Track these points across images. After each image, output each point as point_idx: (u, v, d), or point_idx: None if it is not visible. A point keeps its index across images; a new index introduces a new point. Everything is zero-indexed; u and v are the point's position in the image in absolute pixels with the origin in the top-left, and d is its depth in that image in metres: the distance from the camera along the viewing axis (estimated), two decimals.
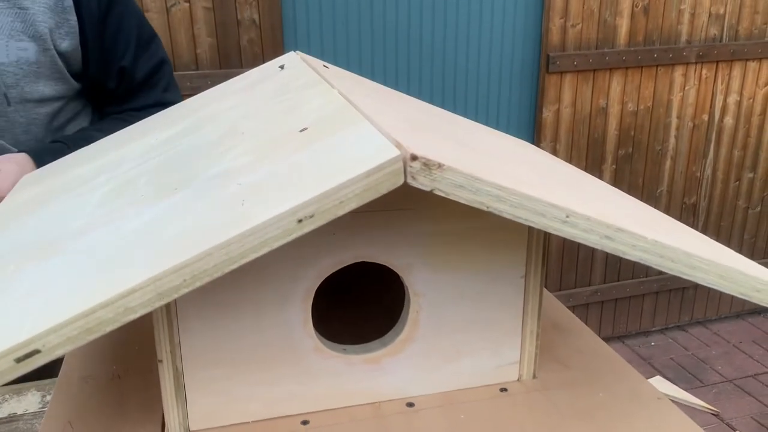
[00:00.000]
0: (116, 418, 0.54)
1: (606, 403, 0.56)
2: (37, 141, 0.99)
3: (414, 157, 0.38)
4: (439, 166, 0.38)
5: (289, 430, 0.53)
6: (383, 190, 0.38)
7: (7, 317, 0.40)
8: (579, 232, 0.42)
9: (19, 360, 0.35)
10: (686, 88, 2.38)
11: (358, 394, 0.55)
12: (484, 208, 0.40)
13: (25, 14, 0.92)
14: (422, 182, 0.38)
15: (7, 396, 0.87)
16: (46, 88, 0.96)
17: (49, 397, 0.87)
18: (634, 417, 0.55)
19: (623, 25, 2.24)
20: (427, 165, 0.38)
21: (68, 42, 0.95)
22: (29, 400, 0.87)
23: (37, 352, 0.35)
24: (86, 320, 0.36)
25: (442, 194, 0.39)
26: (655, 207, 0.61)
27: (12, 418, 0.84)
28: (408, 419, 0.54)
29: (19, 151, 0.95)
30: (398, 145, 0.39)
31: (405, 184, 0.39)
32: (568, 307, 0.73)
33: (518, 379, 0.59)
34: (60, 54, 0.95)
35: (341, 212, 0.38)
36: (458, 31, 2.14)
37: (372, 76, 0.83)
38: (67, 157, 0.81)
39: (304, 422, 0.54)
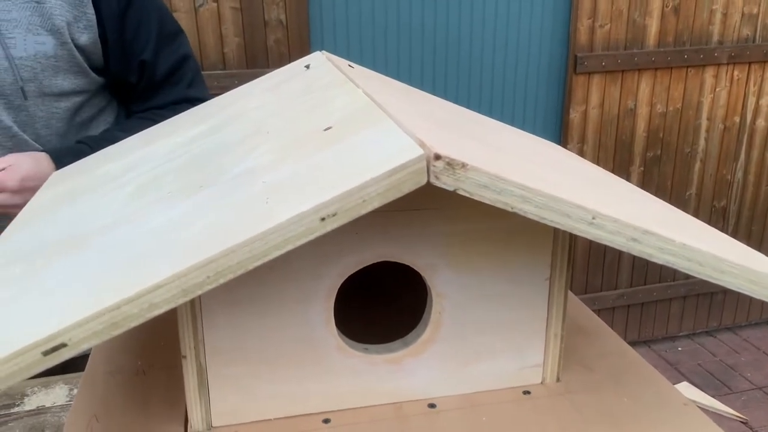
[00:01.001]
0: (140, 413, 0.55)
1: (631, 409, 0.55)
2: (58, 136, 1.00)
3: (437, 157, 0.37)
4: (463, 165, 0.38)
5: (310, 428, 0.53)
6: (406, 189, 0.38)
7: (34, 311, 0.41)
8: (605, 234, 0.41)
9: (46, 353, 0.36)
10: (717, 89, 2.34)
11: (380, 394, 0.55)
12: (509, 209, 0.39)
13: (42, 8, 0.93)
14: (445, 182, 0.38)
15: (36, 389, 0.89)
16: (65, 82, 0.97)
17: (76, 391, 0.88)
18: (660, 423, 0.54)
19: (653, 26, 2.20)
20: (451, 164, 0.38)
21: (86, 36, 0.96)
22: (57, 393, 0.88)
23: (63, 345, 0.36)
24: (111, 315, 0.36)
25: (466, 194, 0.38)
26: (683, 210, 0.60)
27: (40, 411, 0.85)
28: (429, 420, 0.54)
29: (42, 150, 0.97)
30: (422, 144, 0.39)
31: (428, 184, 0.39)
32: (594, 311, 0.72)
33: (542, 382, 0.58)
34: (78, 48, 0.96)
35: (364, 211, 0.38)
36: (485, 31, 2.13)
37: (397, 76, 0.83)
38: (95, 154, 0.82)
39: (326, 420, 0.54)
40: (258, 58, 1.94)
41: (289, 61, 0.88)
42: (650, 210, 0.53)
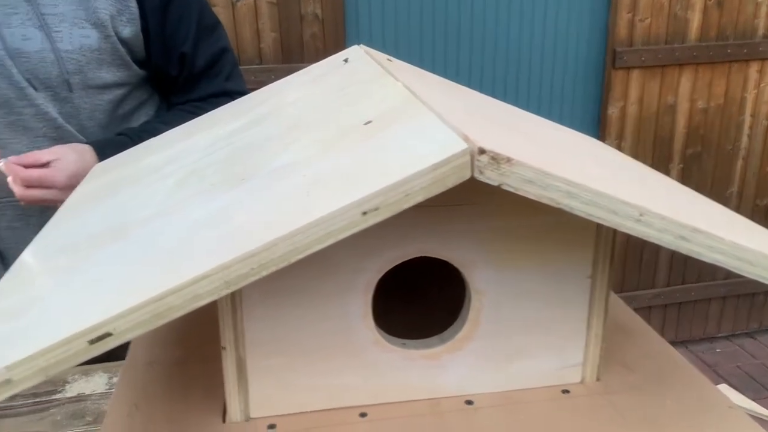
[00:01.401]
0: (179, 403, 0.56)
1: (673, 411, 0.54)
2: (101, 128, 1.02)
3: (482, 151, 0.37)
4: (508, 160, 0.37)
5: (347, 422, 0.53)
6: (450, 183, 0.37)
7: (79, 300, 0.41)
8: (653, 231, 0.40)
9: (92, 342, 0.36)
10: (761, 85, 2.28)
11: (417, 390, 0.55)
12: (554, 205, 0.39)
13: (87, 2, 0.94)
14: (490, 176, 0.37)
15: (76, 376, 0.90)
16: (108, 74, 0.99)
17: (115, 379, 0.90)
18: (704, 427, 0.52)
19: (695, 20, 2.15)
20: (496, 159, 0.37)
21: (129, 29, 0.98)
22: (96, 381, 0.90)
23: (108, 335, 0.36)
24: (156, 305, 0.36)
25: (511, 189, 0.38)
26: None
27: (80, 398, 0.87)
28: (467, 417, 0.54)
29: (85, 142, 0.99)
30: (466, 138, 0.38)
31: (471, 179, 0.38)
32: None
33: (581, 382, 0.57)
34: (121, 41, 0.98)
35: (406, 205, 0.38)
36: (522, 25, 2.10)
37: (434, 70, 0.82)
38: (136, 146, 0.83)
39: (362, 414, 0.54)
40: (294, 52, 1.95)
41: (325, 56, 0.88)
42: (697, 207, 0.52)
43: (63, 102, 0.98)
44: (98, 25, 0.95)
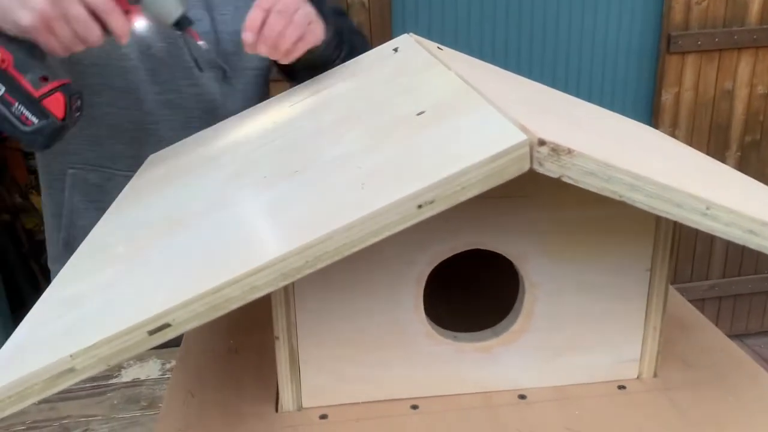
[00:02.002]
0: (233, 392, 0.57)
1: (735, 409, 0.52)
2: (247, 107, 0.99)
3: (542, 142, 0.36)
4: (569, 151, 0.36)
5: (398, 413, 0.53)
6: (508, 176, 0.37)
7: (138, 291, 0.42)
8: (720, 225, 0.39)
9: (151, 332, 0.37)
10: None
11: (469, 383, 0.54)
12: (617, 198, 0.37)
13: None
14: (550, 168, 0.36)
15: (131, 362, 0.93)
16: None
17: (168, 365, 0.92)
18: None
19: (755, 1, 2.07)
20: (556, 150, 0.36)
21: None
22: (150, 367, 0.92)
23: (167, 326, 0.37)
24: (214, 297, 0.37)
25: (571, 181, 0.37)
26: None
27: (135, 383, 0.89)
28: (520, 411, 0.53)
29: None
30: (524, 129, 0.37)
31: (528, 170, 0.37)
32: None
33: (638, 377, 0.56)
34: None
35: (463, 198, 0.37)
36: (572, 9, 2.05)
37: (483, 58, 0.81)
38: (192, 137, 0.84)
39: (414, 407, 0.53)
40: None
41: (372, 45, 0.88)
42: (764, 198, 0.50)
43: (221, 83, 0.96)
44: None
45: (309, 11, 0.77)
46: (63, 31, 0.67)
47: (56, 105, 0.70)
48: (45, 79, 0.69)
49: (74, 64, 0.87)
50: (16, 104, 0.69)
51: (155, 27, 0.87)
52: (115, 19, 0.68)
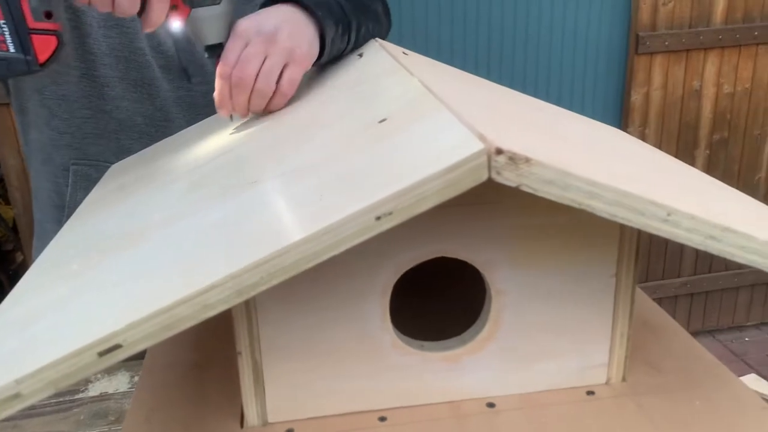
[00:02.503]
0: (197, 407, 0.55)
1: (703, 412, 0.52)
2: None
3: (499, 151, 0.35)
4: (527, 160, 0.35)
5: (366, 426, 0.52)
6: (465, 186, 0.36)
7: (89, 310, 0.41)
8: (681, 231, 0.38)
9: (101, 354, 0.35)
10: None
11: (437, 392, 0.54)
12: (576, 206, 0.37)
13: None
14: (508, 177, 0.36)
15: (99, 375, 0.91)
16: None
17: (137, 378, 0.90)
18: (736, 428, 0.51)
19: (720, 2, 2.10)
20: (514, 159, 0.35)
21: None
22: (119, 380, 0.90)
23: (118, 346, 0.35)
24: (165, 316, 0.36)
25: (530, 190, 0.36)
26: (751, 195, 0.56)
27: (103, 397, 0.87)
28: (488, 420, 0.52)
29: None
30: (482, 138, 0.37)
31: (489, 179, 0.37)
32: (655, 300, 0.68)
33: (606, 383, 0.56)
34: None
35: (421, 209, 0.36)
36: (542, 11, 2.06)
37: (452, 61, 0.81)
38: (150, 148, 0.83)
39: (382, 418, 0.53)
40: None
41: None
42: (728, 203, 0.50)
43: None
44: None
45: (275, 61, 0.67)
46: None
47: (44, 47, 0.62)
48: (49, 15, 0.61)
49: (87, 53, 0.84)
50: (1, 23, 0.60)
51: (185, 37, 0.82)
52: (158, 9, 0.62)
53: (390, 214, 0.36)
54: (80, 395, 0.88)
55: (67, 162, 0.91)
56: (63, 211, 0.95)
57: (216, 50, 0.67)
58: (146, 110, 0.88)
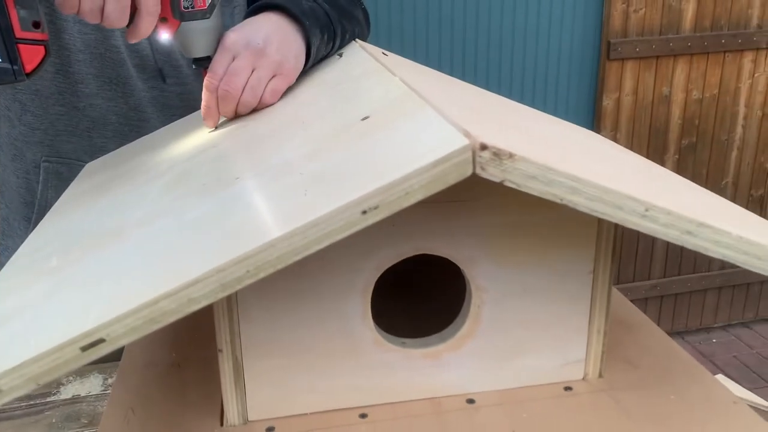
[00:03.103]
0: (176, 406, 0.55)
1: (677, 406, 0.53)
2: None
3: (484, 147, 0.36)
4: (511, 155, 0.36)
5: (347, 423, 0.52)
6: (451, 180, 0.36)
7: (72, 305, 0.40)
8: (659, 227, 0.39)
9: (84, 349, 0.35)
10: (756, 75, 2.27)
11: (417, 389, 0.54)
12: (558, 201, 0.38)
13: None
14: (492, 173, 0.36)
15: (71, 378, 0.89)
16: None
17: (111, 380, 0.89)
18: (709, 422, 0.52)
19: (689, 10, 2.15)
20: (498, 155, 0.36)
21: None
22: (92, 383, 0.89)
23: (101, 341, 0.35)
24: (150, 310, 0.35)
25: (513, 186, 0.37)
26: None
27: (75, 400, 0.86)
28: (468, 416, 0.53)
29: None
30: (467, 134, 0.37)
31: (472, 175, 0.37)
32: None
33: (583, 378, 0.57)
34: None
35: (407, 204, 0.37)
36: (516, 17, 2.09)
37: (427, 64, 0.81)
38: (128, 145, 0.82)
39: (362, 415, 0.53)
40: None
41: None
42: (702, 201, 0.51)
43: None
44: None
45: (262, 74, 0.67)
46: None
47: (32, 57, 0.60)
48: (37, 25, 0.60)
49: (62, 48, 0.82)
50: None
51: (172, 47, 0.82)
52: (147, 22, 0.62)
53: (376, 208, 0.36)
54: (52, 398, 0.86)
55: (38, 158, 0.90)
56: (32, 208, 0.93)
57: (204, 63, 0.68)
58: (120, 109, 0.87)
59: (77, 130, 0.88)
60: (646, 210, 0.39)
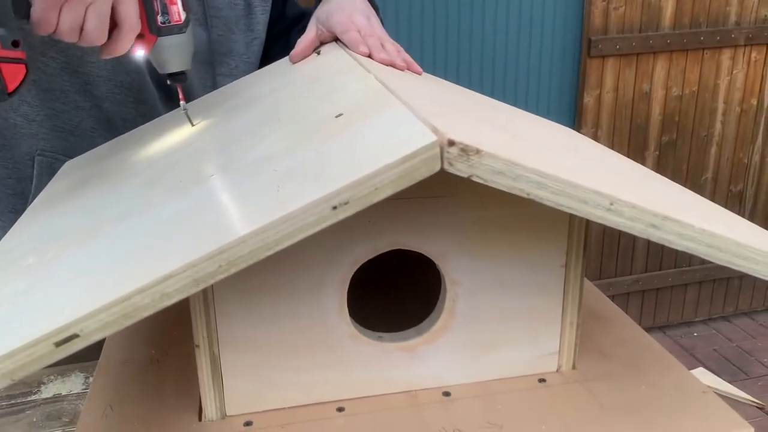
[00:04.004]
0: (154, 402, 0.55)
1: (649, 396, 0.55)
2: None
3: (451, 143, 0.37)
4: (477, 151, 0.37)
5: (324, 417, 0.53)
6: (419, 176, 0.37)
7: (47, 302, 0.40)
8: (624, 220, 0.40)
9: (58, 344, 0.35)
10: (734, 71, 2.30)
11: (394, 382, 0.55)
12: (525, 195, 0.39)
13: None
14: (460, 168, 0.37)
15: (52, 377, 0.89)
16: None
17: (92, 379, 0.89)
18: (679, 411, 0.53)
19: (668, 7, 2.17)
20: (465, 150, 0.37)
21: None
22: (73, 382, 0.89)
23: (75, 336, 0.36)
24: (123, 306, 0.36)
25: (481, 181, 0.38)
26: (699, 194, 0.59)
27: (57, 399, 0.86)
28: (444, 408, 0.54)
29: None
30: (435, 130, 0.38)
31: (442, 171, 0.38)
32: (608, 296, 0.71)
33: (557, 370, 0.58)
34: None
35: (376, 199, 0.37)
36: (497, 14, 2.10)
37: None
38: (107, 143, 0.82)
39: (340, 409, 0.53)
40: None
41: None
42: (669, 195, 0.52)
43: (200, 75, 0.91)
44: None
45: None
46: (73, 14, 0.58)
47: (13, 76, 0.59)
48: (16, 44, 0.59)
49: (70, 47, 0.80)
50: None
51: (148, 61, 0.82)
52: (127, 38, 0.61)
53: (346, 203, 0.37)
54: (33, 397, 0.86)
55: (33, 151, 0.88)
56: (23, 199, 0.92)
57: (180, 78, 0.68)
58: (129, 114, 0.87)
59: (78, 129, 0.87)
60: (611, 204, 0.40)
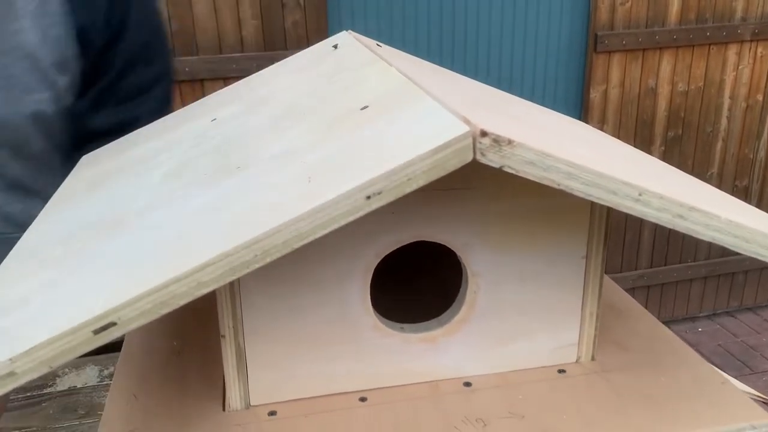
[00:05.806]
0: (178, 392, 0.56)
1: (668, 387, 0.55)
2: None
3: (484, 133, 0.37)
4: (509, 142, 0.37)
5: (347, 406, 0.53)
6: (451, 167, 0.38)
7: (81, 291, 0.41)
8: (652, 210, 0.41)
9: (96, 332, 0.36)
10: (740, 67, 2.31)
11: (416, 373, 0.55)
12: (555, 186, 0.39)
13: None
14: (492, 159, 0.38)
15: (66, 370, 0.90)
16: None
17: (107, 371, 0.89)
18: (698, 402, 0.53)
19: (675, 3, 2.17)
20: (498, 141, 0.37)
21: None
22: (88, 374, 0.90)
23: (113, 324, 0.36)
24: (160, 294, 0.36)
25: (512, 171, 0.38)
26: None
27: (72, 392, 0.86)
28: (465, 398, 0.54)
29: None
30: (466, 121, 0.38)
31: (470, 162, 0.38)
32: None
33: (576, 361, 0.58)
34: None
35: (409, 189, 0.38)
36: (504, 10, 2.10)
37: (416, 56, 0.82)
38: (124, 138, 0.82)
39: (362, 399, 0.54)
40: (276, 40, 1.93)
41: (308, 44, 0.88)
42: (691, 187, 0.53)
43: None
44: None
45: None
46: None
47: None
48: None
49: None
50: None
51: None
52: None
53: (380, 193, 0.37)
54: (49, 389, 0.87)
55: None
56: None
57: None
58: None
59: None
60: (640, 194, 0.40)
